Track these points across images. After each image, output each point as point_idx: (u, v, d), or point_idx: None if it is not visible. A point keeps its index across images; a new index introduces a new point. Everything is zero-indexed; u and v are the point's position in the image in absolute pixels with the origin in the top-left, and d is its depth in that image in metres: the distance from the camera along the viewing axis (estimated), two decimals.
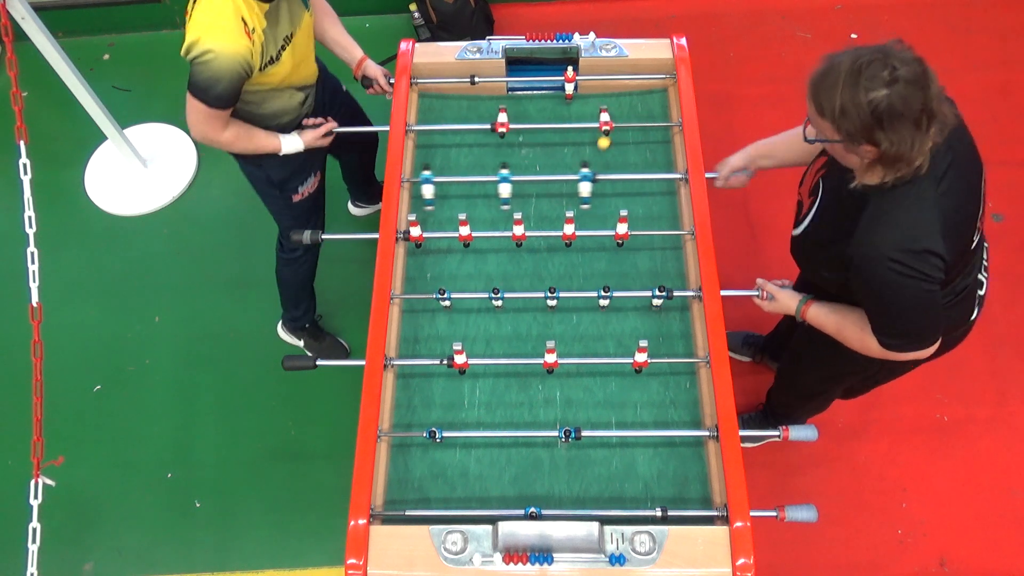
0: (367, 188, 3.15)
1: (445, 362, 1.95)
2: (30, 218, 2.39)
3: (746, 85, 3.57)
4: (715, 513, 1.79)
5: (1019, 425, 2.80)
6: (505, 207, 2.22)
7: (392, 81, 2.41)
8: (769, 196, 3.26)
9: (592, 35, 2.41)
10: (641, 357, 1.93)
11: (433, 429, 1.87)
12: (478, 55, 2.40)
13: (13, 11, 2.68)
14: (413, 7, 3.66)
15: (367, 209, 3.27)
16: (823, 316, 1.91)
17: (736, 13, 3.79)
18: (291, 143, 2.28)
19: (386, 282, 2.05)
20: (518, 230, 2.10)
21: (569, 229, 2.10)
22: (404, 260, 2.18)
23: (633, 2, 3.85)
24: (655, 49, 2.41)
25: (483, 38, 2.45)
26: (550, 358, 1.92)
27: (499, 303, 2.07)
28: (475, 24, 3.59)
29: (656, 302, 2.05)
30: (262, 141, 2.22)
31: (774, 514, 1.82)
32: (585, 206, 2.23)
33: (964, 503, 2.68)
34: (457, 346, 1.91)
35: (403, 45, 2.45)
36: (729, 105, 3.52)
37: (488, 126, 2.38)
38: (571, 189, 2.28)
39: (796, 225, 1.94)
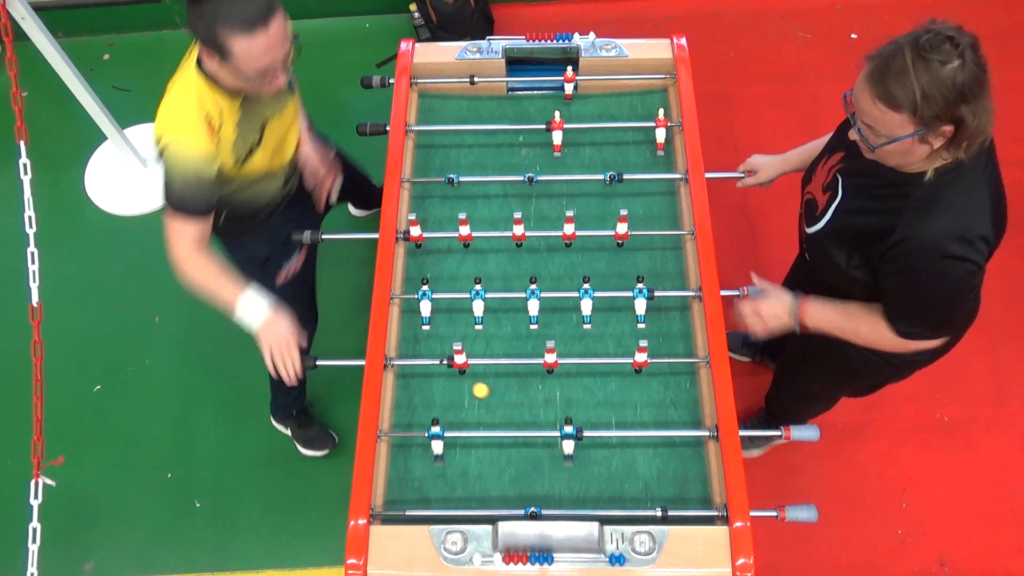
0: (368, 199, 3.07)
1: (445, 362, 1.95)
2: (30, 218, 2.39)
3: (746, 85, 3.58)
4: (715, 513, 1.79)
5: (1019, 425, 2.80)
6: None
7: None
8: (769, 196, 3.24)
9: (592, 35, 2.41)
10: (641, 357, 1.93)
11: (432, 430, 1.86)
12: (478, 55, 2.40)
13: (13, 11, 2.68)
14: (413, 7, 3.66)
15: (367, 212, 3.24)
16: (823, 314, 1.83)
17: (736, 13, 3.79)
18: (252, 306, 1.89)
19: (386, 282, 2.05)
20: (518, 230, 2.10)
21: (569, 229, 2.10)
22: (404, 260, 2.19)
23: (633, 2, 3.85)
24: (655, 49, 2.41)
25: (483, 38, 2.45)
26: (550, 358, 1.92)
27: (481, 301, 2.07)
28: (475, 24, 3.59)
29: (640, 308, 2.04)
30: (223, 288, 1.90)
31: (774, 514, 1.82)
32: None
33: (964, 503, 2.68)
34: (457, 346, 1.91)
35: (403, 45, 2.45)
36: (729, 105, 3.52)
37: (488, 126, 2.39)
38: (571, 189, 2.29)
39: (810, 223, 1.87)
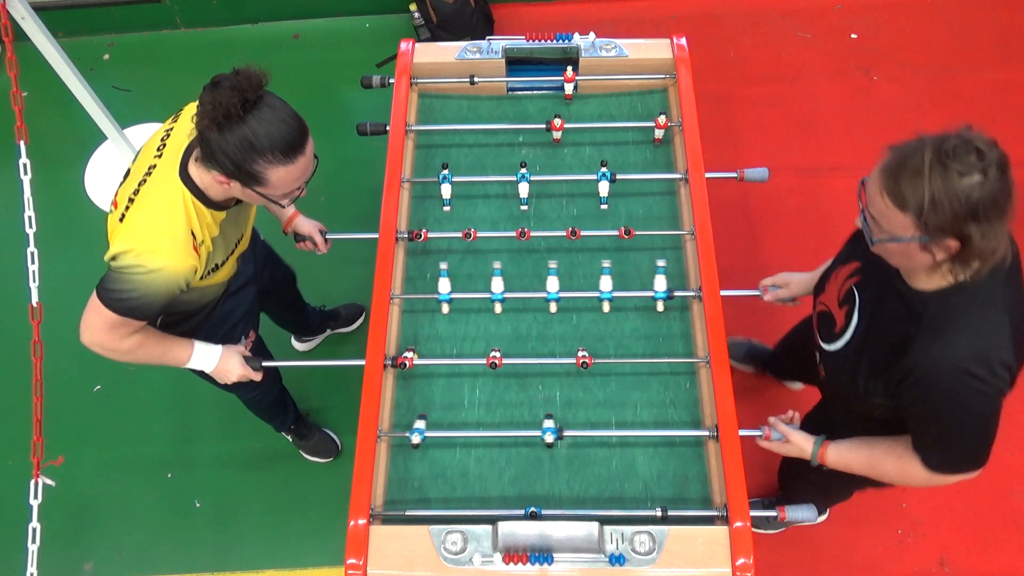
0: (305, 322, 2.87)
1: (454, 361, 1.95)
2: (30, 218, 2.39)
3: (746, 85, 3.58)
4: (715, 513, 1.79)
5: (1019, 425, 2.80)
6: (524, 207, 2.22)
7: (338, 238, 2.26)
8: (769, 196, 3.27)
9: (592, 35, 2.41)
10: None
11: (413, 431, 1.87)
12: (478, 55, 2.40)
13: (13, 11, 2.68)
14: (413, 7, 3.66)
15: (314, 340, 3.02)
16: (847, 455, 1.71)
17: (736, 13, 3.79)
18: (203, 357, 1.91)
19: (386, 282, 2.05)
20: (522, 237, 2.10)
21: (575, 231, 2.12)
22: (404, 260, 2.18)
23: (633, 2, 3.85)
24: (655, 49, 2.41)
25: (483, 38, 2.45)
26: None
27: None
28: (475, 24, 3.59)
29: (659, 307, 2.06)
30: (170, 351, 1.86)
31: (774, 514, 1.82)
32: (604, 206, 2.23)
33: (964, 503, 2.68)
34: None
35: (403, 45, 2.45)
36: (729, 105, 3.52)
37: (488, 126, 2.39)
38: (571, 189, 2.29)
39: (828, 340, 1.74)
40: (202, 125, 1.51)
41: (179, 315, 1.93)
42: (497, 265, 2.03)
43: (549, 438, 1.85)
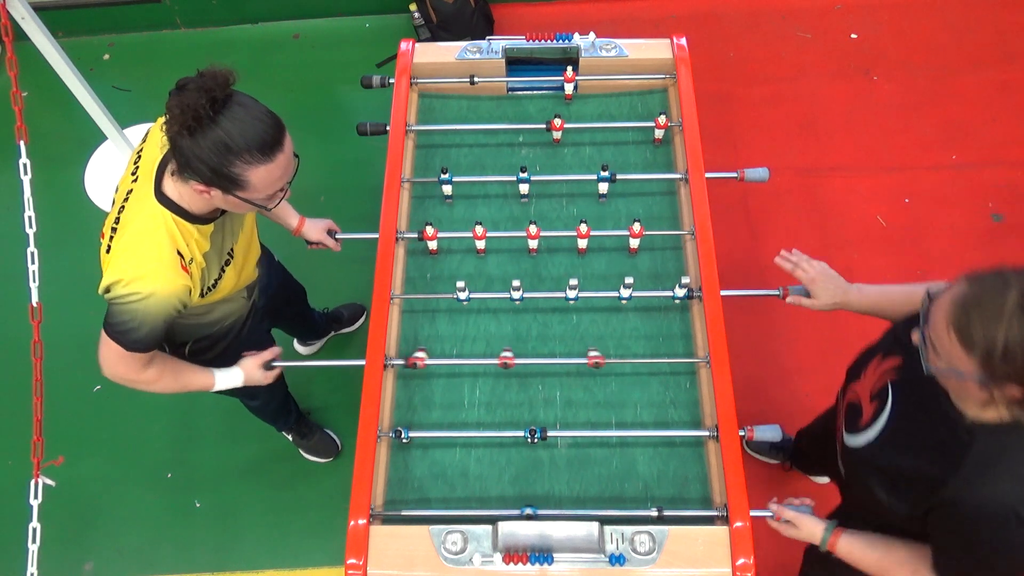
0: (313, 329, 2.89)
1: (498, 362, 1.95)
2: (30, 218, 2.39)
3: (746, 85, 3.58)
4: (715, 513, 1.79)
5: None
6: (524, 199, 2.24)
7: (339, 237, 2.24)
8: (769, 196, 3.27)
9: (592, 35, 2.41)
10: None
11: (399, 428, 1.87)
12: (478, 55, 2.40)
13: (13, 11, 2.68)
14: (413, 7, 3.66)
15: (316, 344, 3.02)
16: (858, 553, 1.62)
17: (736, 13, 3.79)
18: (228, 378, 1.93)
19: (386, 282, 2.05)
20: (532, 235, 2.10)
21: (583, 228, 2.11)
22: (404, 260, 2.18)
23: (633, 2, 3.85)
24: (655, 49, 2.41)
25: (483, 38, 2.45)
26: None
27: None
28: (475, 24, 3.59)
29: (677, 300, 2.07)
30: (190, 379, 1.87)
31: (770, 514, 1.82)
32: (602, 200, 2.25)
33: None
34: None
35: (403, 45, 2.45)
36: (729, 105, 3.52)
37: (488, 126, 2.39)
38: (571, 189, 2.29)
39: (852, 431, 1.65)
40: (172, 132, 1.44)
41: (207, 339, 1.95)
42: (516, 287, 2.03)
43: (545, 435, 1.86)
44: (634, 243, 2.12)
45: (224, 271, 1.78)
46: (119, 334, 1.62)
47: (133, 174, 1.67)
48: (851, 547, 1.63)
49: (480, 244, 2.15)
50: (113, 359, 1.68)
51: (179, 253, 1.61)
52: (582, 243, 2.13)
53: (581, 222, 2.08)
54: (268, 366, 1.99)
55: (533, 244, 2.14)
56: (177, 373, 1.84)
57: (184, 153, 1.46)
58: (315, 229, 2.23)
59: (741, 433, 1.83)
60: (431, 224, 2.11)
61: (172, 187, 1.60)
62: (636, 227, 2.07)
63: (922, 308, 1.36)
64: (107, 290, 1.60)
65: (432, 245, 2.15)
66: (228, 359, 1.97)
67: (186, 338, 1.94)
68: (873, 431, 1.57)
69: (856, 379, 1.69)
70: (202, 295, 1.72)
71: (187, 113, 1.41)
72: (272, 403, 2.51)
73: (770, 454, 2.74)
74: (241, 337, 2.05)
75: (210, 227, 1.67)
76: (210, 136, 1.43)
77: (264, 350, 1.99)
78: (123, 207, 1.65)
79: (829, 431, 1.89)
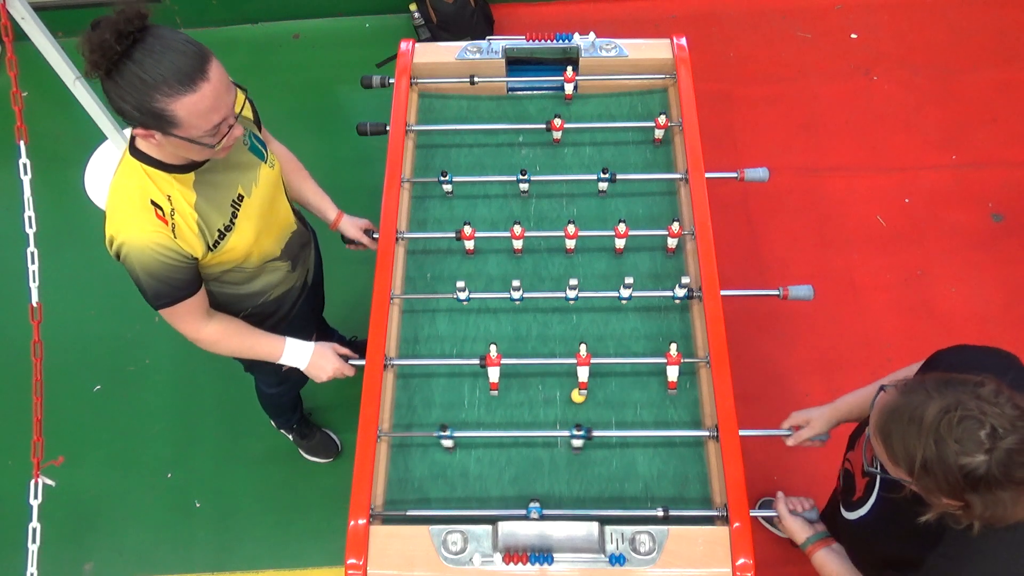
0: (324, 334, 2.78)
1: (479, 362, 1.95)
2: (30, 218, 2.39)
3: (746, 85, 3.58)
4: (715, 513, 1.79)
5: None
6: (524, 188, 2.24)
7: (376, 236, 2.18)
8: (769, 196, 3.27)
9: (592, 35, 2.41)
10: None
11: (444, 424, 1.86)
12: (478, 55, 2.40)
13: (13, 11, 2.68)
14: (413, 7, 3.66)
15: None
16: (830, 565, 1.66)
17: (736, 13, 3.79)
18: (297, 352, 1.92)
19: (386, 282, 2.05)
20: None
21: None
22: (404, 260, 2.18)
23: (633, 2, 3.85)
24: (655, 49, 2.41)
25: (483, 38, 2.45)
26: (583, 350, 1.91)
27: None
28: (475, 24, 3.59)
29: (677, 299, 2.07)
30: (257, 342, 1.88)
31: (773, 514, 1.82)
32: (601, 193, 2.25)
33: None
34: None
35: (403, 45, 2.45)
36: (729, 105, 3.52)
37: (488, 126, 2.39)
38: (571, 189, 2.29)
39: (847, 506, 1.66)
40: (96, 77, 1.42)
41: (255, 314, 1.98)
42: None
43: (577, 443, 1.87)
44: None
45: (233, 225, 1.73)
46: (142, 293, 1.68)
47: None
48: (825, 560, 1.68)
49: (469, 244, 2.14)
50: (167, 319, 1.74)
51: (155, 203, 1.59)
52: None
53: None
54: (351, 363, 1.99)
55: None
56: (244, 335, 1.86)
57: (111, 97, 1.45)
58: (353, 226, 2.22)
59: (771, 514, 1.81)
60: (468, 224, 2.10)
61: (142, 140, 1.59)
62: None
63: (870, 405, 1.37)
64: (109, 249, 1.65)
65: (469, 245, 2.14)
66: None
67: (233, 309, 1.94)
68: (864, 508, 1.59)
69: (852, 449, 1.70)
70: (211, 248, 1.69)
71: (95, 52, 1.37)
72: (291, 393, 2.53)
73: (779, 525, 2.68)
74: (291, 317, 2.07)
75: (191, 175, 1.64)
76: (126, 74, 1.40)
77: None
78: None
79: (834, 503, 1.88)
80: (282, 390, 2.45)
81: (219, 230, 1.70)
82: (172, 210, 1.61)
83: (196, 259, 1.69)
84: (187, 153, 1.58)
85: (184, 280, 1.67)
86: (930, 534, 1.37)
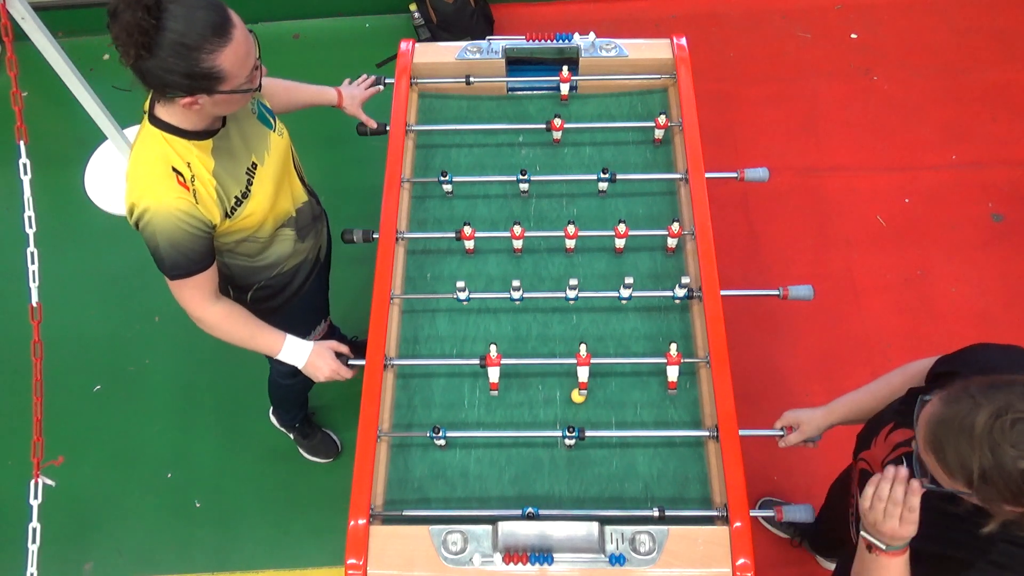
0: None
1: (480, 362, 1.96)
2: (30, 218, 2.39)
3: (746, 85, 3.58)
4: (715, 513, 1.79)
5: None
6: (524, 187, 2.24)
7: (383, 83, 2.29)
8: (769, 196, 3.27)
9: (592, 35, 2.41)
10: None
11: (437, 426, 1.86)
12: (478, 55, 2.40)
13: (13, 11, 2.68)
14: (413, 7, 3.67)
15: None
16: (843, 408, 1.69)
17: (736, 13, 3.79)
18: (295, 350, 1.91)
19: (386, 282, 2.05)
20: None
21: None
22: (404, 260, 2.18)
23: (633, 2, 3.85)
24: (655, 49, 2.41)
25: (483, 38, 2.44)
26: (582, 350, 1.91)
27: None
28: (475, 24, 3.59)
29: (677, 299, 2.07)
30: (258, 332, 1.88)
31: (772, 514, 1.82)
32: (601, 192, 2.26)
33: None
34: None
35: (403, 45, 2.45)
36: (729, 105, 3.52)
37: (488, 126, 2.39)
38: (571, 189, 2.29)
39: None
40: (131, 61, 1.45)
41: (267, 287, 2.00)
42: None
43: (569, 442, 1.88)
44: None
45: (249, 192, 1.76)
46: (157, 263, 1.69)
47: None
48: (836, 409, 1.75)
49: (469, 244, 2.14)
50: (175, 292, 1.75)
51: (176, 170, 1.62)
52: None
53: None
54: (346, 364, 1.99)
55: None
56: (247, 323, 1.86)
57: (155, 74, 1.48)
58: (350, 104, 2.28)
59: (769, 514, 1.81)
60: (468, 224, 2.11)
61: (163, 111, 1.63)
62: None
63: (915, 417, 1.33)
64: (129, 217, 1.66)
65: (469, 245, 2.15)
66: (290, 315, 2.03)
67: (245, 281, 1.97)
68: None
69: (865, 448, 1.66)
70: (228, 215, 1.72)
71: (132, 33, 1.40)
72: (303, 387, 2.54)
73: (782, 528, 2.66)
74: (302, 292, 2.10)
75: (209, 142, 1.67)
76: (165, 44, 1.43)
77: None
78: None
79: (841, 505, 1.87)
80: (295, 383, 2.45)
81: (236, 197, 1.73)
82: (192, 176, 1.64)
83: (213, 228, 1.71)
84: (228, 108, 1.63)
85: (200, 252, 1.70)
86: (969, 539, 1.33)
